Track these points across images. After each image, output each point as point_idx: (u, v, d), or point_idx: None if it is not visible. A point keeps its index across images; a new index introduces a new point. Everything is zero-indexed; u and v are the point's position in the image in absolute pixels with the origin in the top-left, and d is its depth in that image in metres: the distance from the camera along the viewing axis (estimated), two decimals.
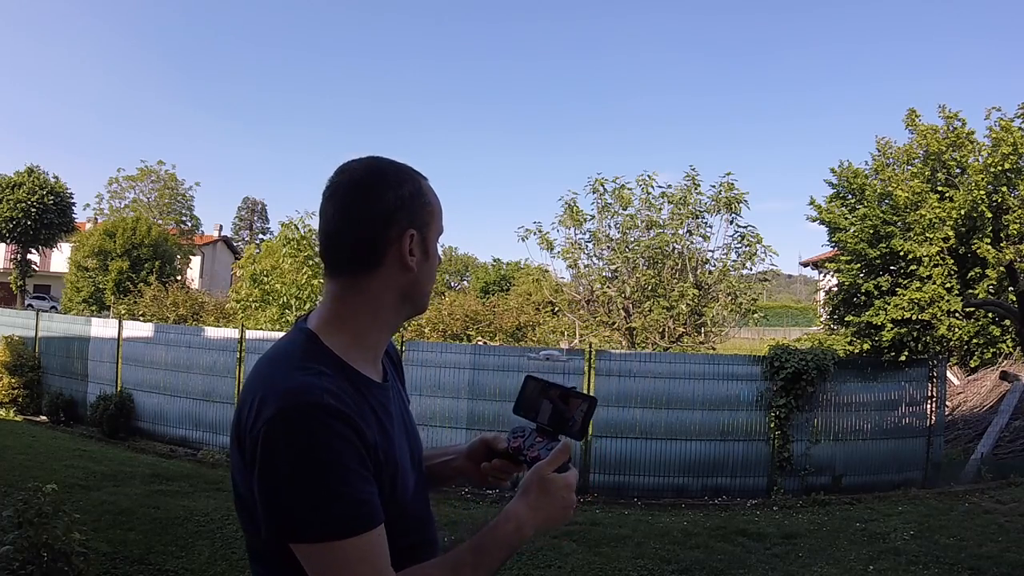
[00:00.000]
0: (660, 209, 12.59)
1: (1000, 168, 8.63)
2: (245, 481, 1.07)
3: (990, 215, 8.67)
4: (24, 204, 32.00)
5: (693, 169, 12.39)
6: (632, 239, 12.48)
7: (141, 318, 17.57)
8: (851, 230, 9.53)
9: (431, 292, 1.25)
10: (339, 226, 1.15)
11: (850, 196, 10.02)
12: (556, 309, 15.45)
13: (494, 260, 58.53)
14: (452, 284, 55.75)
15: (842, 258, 9.82)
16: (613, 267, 12.56)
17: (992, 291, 9.16)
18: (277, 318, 12.48)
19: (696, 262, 12.15)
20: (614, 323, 12.46)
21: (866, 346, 9.48)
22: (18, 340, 12.49)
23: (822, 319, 12.23)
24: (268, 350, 1.18)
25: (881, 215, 9.18)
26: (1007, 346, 11.48)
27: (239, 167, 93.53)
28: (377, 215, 1.14)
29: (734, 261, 12.24)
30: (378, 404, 1.13)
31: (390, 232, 1.14)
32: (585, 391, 9.16)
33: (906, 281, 8.97)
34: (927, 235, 8.78)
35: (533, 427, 1.24)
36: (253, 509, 1.06)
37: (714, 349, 12.19)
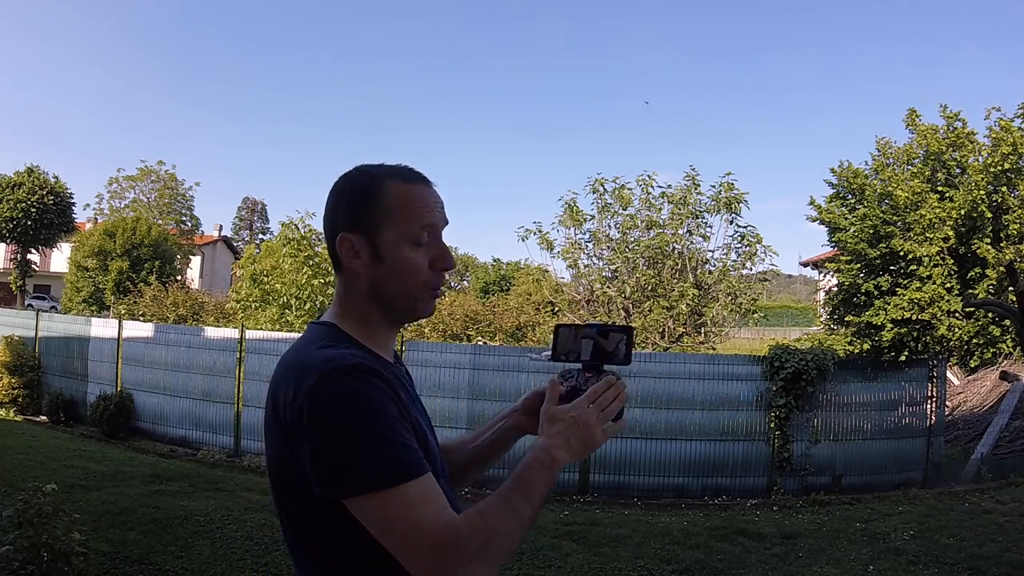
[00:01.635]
0: (660, 209, 12.59)
1: (1000, 168, 8.63)
2: (290, 467, 1.09)
3: (990, 215, 8.67)
4: (24, 204, 31.99)
5: (693, 169, 12.40)
6: (632, 239, 12.48)
7: (141, 318, 17.58)
8: (851, 230, 9.53)
9: (412, 296, 1.22)
10: (324, 227, 1.27)
11: (850, 196, 10.02)
12: (556, 309, 15.44)
13: (494, 260, 58.49)
14: (452, 284, 55.79)
15: (842, 258, 9.82)
16: (613, 267, 12.55)
17: (992, 291, 9.16)
18: (277, 318, 12.48)
19: (696, 262, 12.15)
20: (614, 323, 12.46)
21: (866, 346, 9.48)
22: (18, 340, 12.49)
23: (822, 319, 12.23)
24: (293, 344, 1.25)
25: (881, 215, 9.18)
26: (1007, 346, 11.46)
27: (239, 167, 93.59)
28: (328, 220, 1.24)
29: (734, 261, 12.25)
30: (398, 377, 1.19)
31: (335, 236, 1.21)
32: None
33: (906, 281, 8.97)
34: (927, 235, 8.78)
35: (579, 367, 1.29)
36: (302, 491, 1.09)
37: (714, 349, 12.19)
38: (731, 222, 12.16)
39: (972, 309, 9.46)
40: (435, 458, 1.17)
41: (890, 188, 9.25)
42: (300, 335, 1.28)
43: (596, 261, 12.88)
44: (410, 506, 1.02)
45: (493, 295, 29.42)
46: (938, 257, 8.81)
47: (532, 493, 1.11)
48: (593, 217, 12.83)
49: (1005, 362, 12.36)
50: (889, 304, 8.91)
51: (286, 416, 1.09)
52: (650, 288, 11.98)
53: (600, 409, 1.20)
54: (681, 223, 12.18)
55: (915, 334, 9.03)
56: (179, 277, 30.73)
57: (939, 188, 9.15)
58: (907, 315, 8.72)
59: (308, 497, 1.08)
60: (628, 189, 12.59)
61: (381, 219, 1.19)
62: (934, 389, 9.44)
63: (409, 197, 1.21)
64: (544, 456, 1.15)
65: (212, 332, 11.25)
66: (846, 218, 9.81)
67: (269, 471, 1.18)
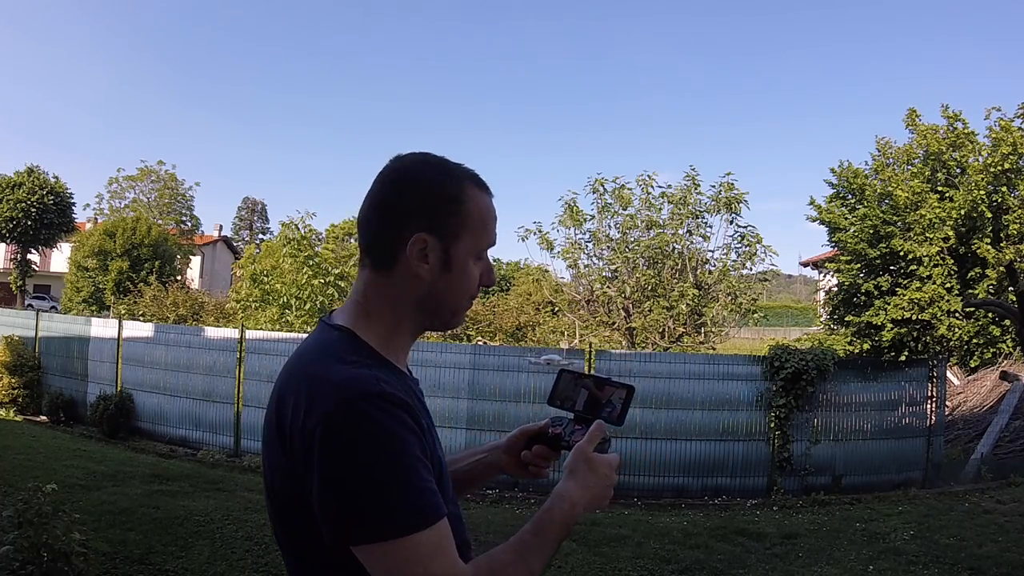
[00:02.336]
0: (660, 209, 12.59)
1: (1000, 168, 8.64)
2: (291, 485, 1.01)
3: (990, 215, 8.67)
4: (24, 204, 32.01)
5: (693, 169, 12.40)
6: (632, 239, 12.48)
7: (141, 318, 17.58)
8: (851, 230, 9.53)
9: (461, 308, 1.17)
10: (365, 213, 1.13)
11: (850, 196, 10.02)
12: (556, 309, 15.44)
13: (494, 260, 58.47)
14: None
15: (842, 258, 9.82)
16: (613, 267, 12.55)
17: (992, 291, 9.16)
18: (277, 318, 12.48)
19: (696, 262, 12.15)
20: (614, 323, 12.46)
21: (866, 346, 9.47)
22: (18, 340, 12.48)
23: (822, 319, 12.23)
24: (300, 348, 1.14)
25: (881, 215, 9.17)
26: (1007, 346, 11.47)
27: (239, 167, 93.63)
28: (394, 212, 1.10)
29: (734, 261, 12.24)
30: (418, 397, 1.12)
31: (404, 233, 1.09)
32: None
33: (906, 281, 8.97)
34: (927, 235, 8.77)
35: (571, 416, 1.25)
36: (300, 515, 1.01)
37: (714, 349, 12.19)
38: (731, 222, 12.17)
39: (972, 309, 9.46)
40: (447, 483, 1.11)
41: (890, 188, 9.25)
42: (308, 335, 1.18)
43: (596, 261, 12.88)
44: (423, 557, 0.95)
45: (493, 295, 29.42)
46: (938, 257, 8.80)
47: (548, 548, 1.07)
48: (593, 217, 12.84)
49: (1005, 362, 12.36)
50: (889, 304, 8.91)
51: (293, 435, 1.00)
52: (650, 288, 11.98)
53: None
54: (681, 223, 12.18)
55: (915, 334, 9.03)
56: (179, 277, 30.72)
57: (939, 188, 9.15)
58: (907, 315, 8.72)
59: (311, 523, 1.00)
60: (628, 189, 12.59)
61: (460, 228, 1.11)
62: (934, 389, 9.43)
63: (484, 209, 1.15)
64: (571, 513, 1.10)
65: (212, 332, 11.25)
66: (846, 218, 9.80)
67: (266, 484, 1.10)
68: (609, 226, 12.76)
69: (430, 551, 0.96)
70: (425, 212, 1.09)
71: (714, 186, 12.24)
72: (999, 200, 8.77)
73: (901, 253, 8.87)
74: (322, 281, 12.46)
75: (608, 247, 12.58)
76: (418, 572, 0.95)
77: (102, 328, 11.98)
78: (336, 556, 0.99)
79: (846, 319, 9.79)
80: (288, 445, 1.01)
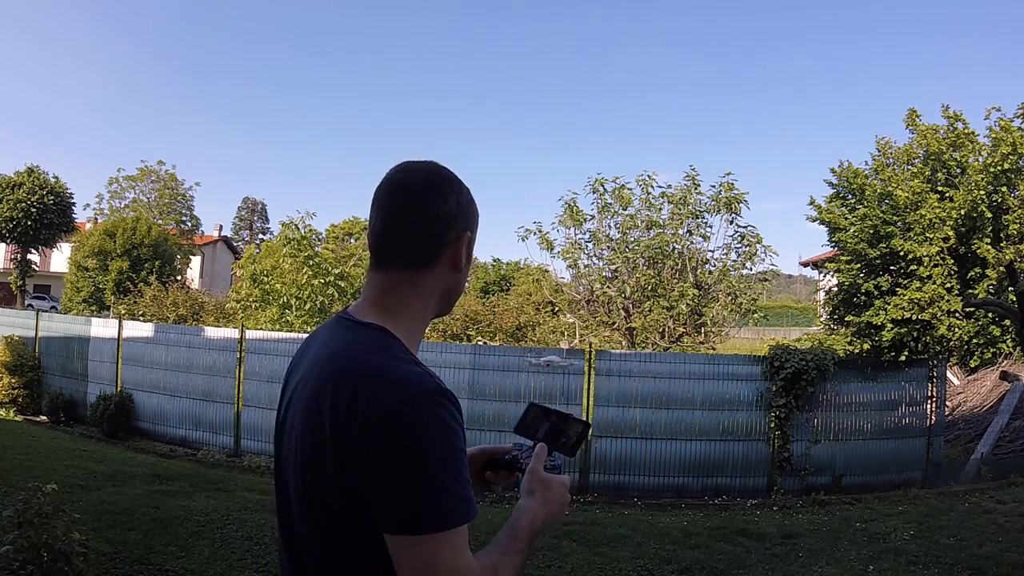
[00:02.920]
0: (660, 209, 12.59)
1: (1000, 168, 8.64)
2: (337, 480, 1.05)
3: (990, 215, 8.67)
4: (24, 204, 32.01)
5: (693, 169, 12.40)
6: (632, 239, 12.48)
7: (141, 318, 17.57)
8: (851, 230, 9.53)
9: (461, 294, 1.33)
10: (404, 222, 1.19)
11: (850, 196, 10.02)
12: (556, 309, 15.44)
13: (494, 260, 58.43)
14: None
15: (842, 258, 9.82)
16: (613, 267, 12.55)
17: (992, 291, 9.16)
18: (277, 318, 12.48)
19: (696, 262, 12.15)
20: (614, 323, 12.46)
21: (866, 346, 9.48)
22: (18, 340, 12.48)
23: (822, 319, 12.23)
24: (332, 344, 1.17)
25: (881, 215, 9.17)
26: (1007, 346, 11.47)
27: (239, 167, 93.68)
28: (443, 215, 1.20)
29: (734, 261, 12.24)
30: None
31: (451, 233, 1.21)
32: (585, 392, 9.17)
33: (906, 281, 8.97)
34: (927, 235, 8.77)
35: (531, 444, 1.36)
36: (338, 511, 1.06)
37: (714, 349, 12.19)
38: (731, 222, 12.17)
39: (972, 309, 9.46)
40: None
41: (890, 188, 9.25)
42: (329, 332, 1.22)
43: (596, 261, 12.88)
44: (454, 551, 1.01)
45: (493, 295, 29.41)
46: (938, 257, 8.80)
47: (523, 552, 1.16)
48: (593, 217, 12.84)
49: (1005, 362, 12.37)
50: (889, 304, 8.91)
51: (350, 434, 1.03)
52: (650, 288, 11.98)
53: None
54: (681, 223, 12.18)
55: (915, 334, 9.03)
56: (179, 277, 30.71)
57: (939, 188, 9.15)
58: (907, 315, 8.72)
59: (348, 520, 1.06)
60: (628, 189, 12.59)
61: (473, 224, 1.27)
62: (934, 389, 9.43)
63: (477, 206, 1.30)
64: (534, 525, 1.19)
65: (212, 332, 11.25)
66: (846, 218, 9.80)
67: (296, 487, 1.13)
68: (609, 226, 12.76)
69: (457, 547, 1.02)
70: (463, 213, 1.23)
71: (714, 186, 12.26)
72: (999, 200, 8.77)
73: (901, 253, 8.87)
74: (322, 281, 12.46)
75: (608, 247, 12.58)
76: (447, 565, 1.00)
77: (102, 328, 11.97)
78: (369, 551, 1.05)
79: (846, 319, 9.79)
80: (343, 444, 1.04)
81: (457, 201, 1.22)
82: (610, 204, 12.67)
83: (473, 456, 1.41)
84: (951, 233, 8.78)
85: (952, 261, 8.93)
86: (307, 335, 1.28)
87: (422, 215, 1.19)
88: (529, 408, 1.42)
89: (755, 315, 13.06)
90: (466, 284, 1.31)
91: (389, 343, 1.13)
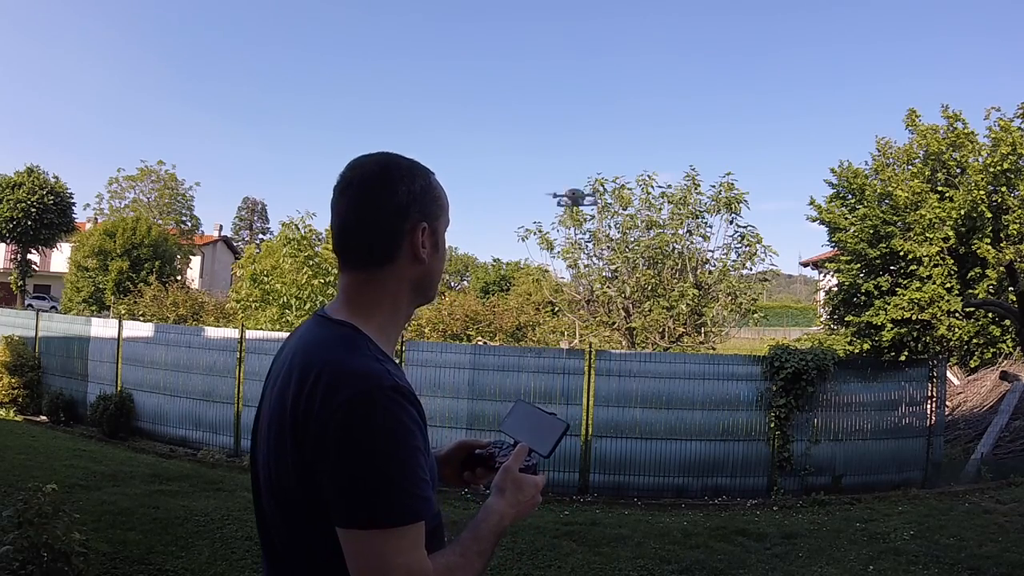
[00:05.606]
0: (660, 209, 12.59)
1: (1000, 168, 8.63)
2: (298, 473, 1.06)
3: (990, 215, 8.67)
4: (24, 204, 31.97)
5: (693, 169, 12.41)
6: (632, 239, 12.48)
7: (141, 318, 17.59)
8: (851, 230, 9.52)
9: (440, 281, 1.30)
10: (354, 221, 1.19)
11: (850, 196, 10.02)
12: (556, 309, 15.44)
13: (494, 260, 58.50)
14: (452, 284, 55.73)
15: (842, 258, 9.82)
16: (613, 267, 12.55)
17: (992, 291, 9.16)
18: (277, 318, 12.48)
19: (696, 262, 12.15)
20: (614, 323, 12.46)
21: (866, 346, 9.47)
22: (18, 340, 12.48)
23: (822, 319, 12.23)
24: (303, 340, 1.19)
25: (881, 215, 9.17)
26: (1007, 346, 11.47)
27: (239, 167, 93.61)
28: (391, 210, 1.18)
29: (734, 261, 12.24)
30: None
31: (404, 226, 1.18)
32: (585, 392, 9.17)
33: (906, 281, 8.97)
34: (927, 235, 8.77)
35: (511, 442, 1.36)
36: (302, 504, 1.07)
37: (714, 349, 12.19)
38: (731, 222, 12.17)
39: (972, 309, 9.46)
40: (435, 474, 1.18)
41: (890, 188, 9.25)
42: (303, 328, 1.24)
43: (596, 261, 12.89)
44: (404, 550, 1.01)
45: (493, 295, 29.41)
46: (938, 257, 8.80)
47: (486, 554, 1.16)
48: (593, 217, 12.84)
49: (1005, 362, 12.36)
50: (889, 304, 8.90)
51: (308, 422, 1.05)
52: (650, 288, 11.98)
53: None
54: (681, 223, 12.18)
55: (915, 334, 9.03)
56: (179, 277, 30.72)
57: (939, 188, 9.15)
58: (907, 315, 8.72)
59: (312, 512, 1.06)
60: (628, 189, 12.60)
61: (439, 210, 1.24)
62: (934, 389, 9.43)
63: (444, 192, 1.28)
64: (500, 525, 1.19)
65: (212, 332, 11.25)
66: (846, 218, 9.80)
67: (263, 475, 1.15)
68: (609, 226, 12.77)
69: (410, 545, 1.02)
70: (417, 202, 1.20)
71: (714, 186, 12.26)
72: (999, 200, 8.77)
73: (901, 253, 8.86)
74: (322, 281, 12.46)
75: (608, 247, 12.58)
76: (397, 563, 1.00)
77: (102, 328, 11.98)
78: (333, 540, 1.05)
79: (846, 319, 9.78)
80: (300, 432, 1.06)
81: (408, 192, 1.19)
82: (610, 204, 12.68)
83: (451, 451, 1.42)
84: (951, 233, 8.78)
85: (952, 261, 8.92)
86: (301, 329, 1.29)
87: (372, 213, 1.18)
88: (515, 405, 1.43)
89: (755, 315, 13.05)
90: (442, 268, 1.28)
91: (357, 339, 1.13)
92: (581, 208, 12.77)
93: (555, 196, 9.06)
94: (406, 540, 1.01)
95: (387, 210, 1.18)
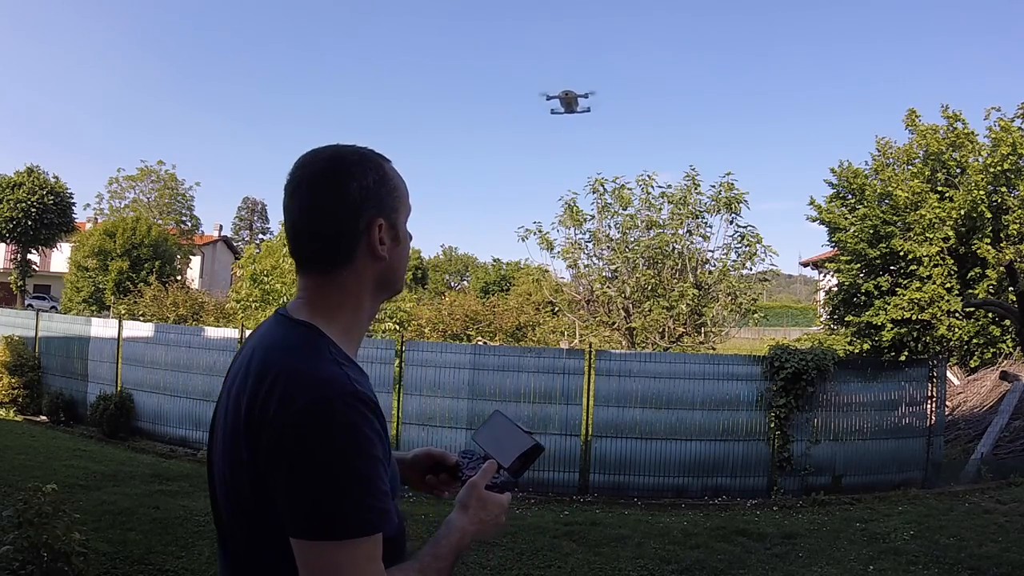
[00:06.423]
0: (660, 209, 12.60)
1: (1000, 168, 8.63)
2: (255, 480, 1.03)
3: (990, 215, 8.67)
4: (24, 204, 31.98)
5: (693, 169, 12.42)
6: (632, 239, 12.48)
7: (141, 318, 17.58)
8: (851, 230, 9.53)
9: (406, 272, 1.25)
10: (306, 224, 1.14)
11: (850, 196, 10.02)
12: (556, 309, 15.45)
13: (494, 260, 58.54)
14: (452, 284, 55.76)
15: (842, 258, 9.82)
16: (613, 267, 12.56)
17: (992, 291, 9.16)
18: None
19: (696, 262, 12.15)
20: (614, 323, 12.46)
21: (866, 346, 9.47)
22: (18, 340, 12.48)
23: (822, 319, 12.23)
24: (263, 341, 1.14)
25: (881, 215, 9.17)
26: (1007, 346, 11.46)
27: (239, 167, 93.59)
28: (344, 209, 1.12)
29: (734, 261, 12.25)
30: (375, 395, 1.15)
31: (359, 225, 1.13)
32: (585, 392, 9.16)
33: (906, 281, 8.97)
34: (927, 235, 8.77)
35: (482, 454, 1.32)
36: (255, 510, 1.04)
37: (714, 349, 12.19)
38: (731, 222, 12.18)
39: (972, 309, 9.46)
40: (397, 480, 1.17)
41: (890, 188, 9.25)
42: (264, 328, 1.19)
43: (596, 261, 12.90)
44: (358, 562, 0.97)
45: (493, 295, 29.41)
46: (938, 257, 8.80)
47: (444, 571, 1.12)
48: (593, 217, 12.85)
49: (1005, 362, 12.36)
50: (889, 304, 8.90)
51: (261, 429, 1.01)
52: (650, 288, 11.98)
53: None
54: (681, 223, 12.19)
55: (915, 334, 9.03)
56: (179, 277, 30.70)
57: (939, 188, 9.15)
58: (907, 315, 8.72)
59: (265, 517, 1.03)
60: (628, 189, 12.61)
61: (396, 202, 1.18)
62: (934, 389, 9.43)
63: (402, 180, 1.22)
64: (461, 542, 1.15)
65: (212, 332, 11.26)
66: (846, 218, 9.80)
67: (219, 473, 1.11)
68: (609, 226, 12.77)
69: (365, 558, 0.98)
70: (371, 198, 1.14)
71: (714, 186, 12.28)
72: (999, 200, 8.77)
73: (901, 253, 8.86)
74: None
75: (608, 247, 12.58)
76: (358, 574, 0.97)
77: (102, 328, 11.98)
78: (286, 547, 1.01)
79: (846, 319, 9.78)
80: (254, 438, 1.02)
81: (360, 187, 1.12)
82: (610, 204, 12.69)
83: (418, 458, 1.40)
84: (951, 233, 8.78)
85: (952, 261, 8.92)
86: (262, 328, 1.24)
87: (323, 214, 1.12)
88: (493, 416, 1.38)
89: (755, 315, 13.06)
90: (407, 257, 1.23)
91: (316, 341, 1.09)
92: (580, 209, 12.78)
93: (548, 98, 8.74)
94: (361, 553, 0.97)
95: (339, 210, 1.12)
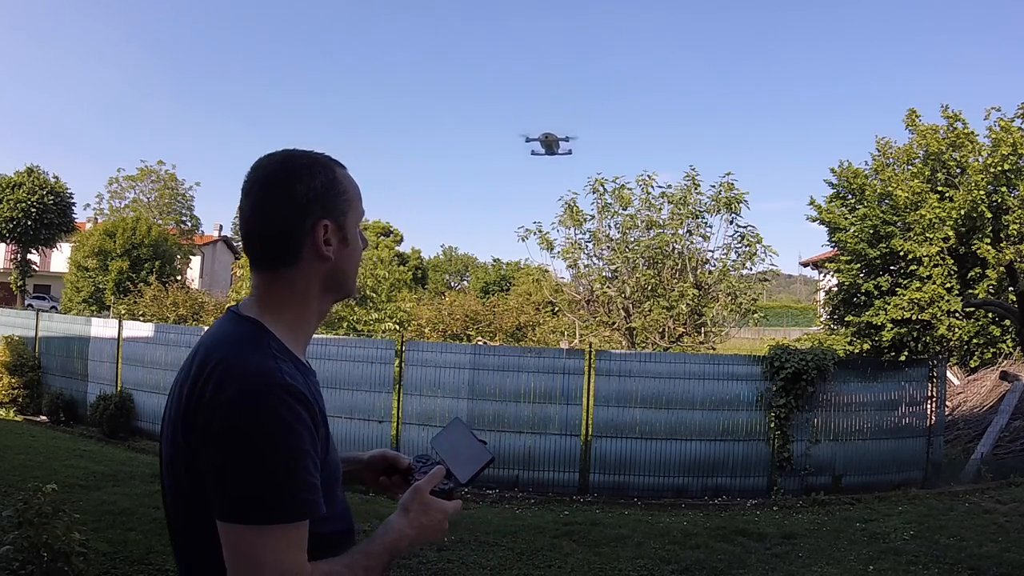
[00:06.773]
0: (660, 209, 12.60)
1: (1000, 168, 8.63)
2: (189, 463, 1.07)
3: (990, 215, 8.67)
4: (24, 204, 31.98)
5: (693, 169, 12.42)
6: (632, 239, 12.49)
7: (141, 318, 17.56)
8: (851, 230, 9.53)
9: (356, 275, 1.29)
10: (255, 222, 1.19)
11: (850, 196, 10.02)
12: (556, 309, 15.45)
13: (494, 260, 58.56)
14: (452, 284, 55.75)
15: (842, 258, 9.82)
16: (613, 267, 12.56)
17: (992, 291, 9.16)
18: None
19: (696, 262, 12.15)
20: (614, 323, 12.46)
21: (866, 346, 9.47)
22: (18, 340, 12.48)
23: (822, 319, 12.23)
24: (210, 335, 1.19)
25: (881, 215, 9.17)
26: (1007, 346, 11.48)
27: (239, 167, 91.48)
28: (291, 210, 1.17)
29: (734, 261, 12.25)
30: (317, 390, 1.18)
31: (304, 225, 1.17)
32: (585, 392, 9.16)
33: (906, 281, 8.97)
34: (927, 235, 8.77)
35: (436, 460, 1.34)
36: (189, 492, 1.08)
37: (714, 349, 12.19)
38: (731, 222, 12.18)
39: (972, 309, 9.47)
40: (338, 473, 1.20)
41: (890, 188, 9.25)
42: (217, 324, 1.23)
43: (596, 261, 12.90)
44: (278, 549, 1.00)
45: (493, 295, 29.40)
46: (938, 257, 8.80)
47: (375, 570, 1.13)
48: (593, 217, 12.85)
49: (1005, 362, 12.36)
50: (889, 304, 8.91)
51: (195, 416, 1.06)
52: (650, 288, 11.98)
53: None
54: (681, 223, 12.19)
55: (915, 334, 9.03)
56: (179, 277, 30.68)
57: (939, 188, 9.15)
58: (907, 315, 8.72)
59: (198, 501, 1.07)
60: (628, 189, 12.61)
61: (346, 205, 1.22)
62: (934, 389, 9.43)
63: (354, 184, 1.26)
64: (398, 545, 1.16)
65: None
66: (846, 218, 9.81)
67: (164, 464, 1.16)
68: (609, 226, 12.78)
69: (285, 545, 1.01)
70: (318, 200, 1.18)
71: (714, 186, 12.28)
72: (999, 200, 8.77)
73: (901, 253, 8.87)
74: None
75: (608, 247, 12.59)
76: (270, 561, 1.00)
77: (102, 328, 11.98)
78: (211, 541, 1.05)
79: (846, 319, 9.78)
80: (188, 425, 1.07)
81: (308, 189, 1.17)
82: (610, 204, 12.69)
83: (375, 458, 1.44)
84: (951, 233, 8.78)
85: (952, 261, 8.92)
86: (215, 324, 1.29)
87: (271, 214, 1.17)
88: (453, 422, 1.40)
89: (755, 315, 13.06)
90: (358, 261, 1.27)
91: (259, 336, 1.13)
92: (580, 209, 12.78)
93: (527, 140, 8.82)
94: (282, 540, 1.01)
95: (286, 210, 1.16)
